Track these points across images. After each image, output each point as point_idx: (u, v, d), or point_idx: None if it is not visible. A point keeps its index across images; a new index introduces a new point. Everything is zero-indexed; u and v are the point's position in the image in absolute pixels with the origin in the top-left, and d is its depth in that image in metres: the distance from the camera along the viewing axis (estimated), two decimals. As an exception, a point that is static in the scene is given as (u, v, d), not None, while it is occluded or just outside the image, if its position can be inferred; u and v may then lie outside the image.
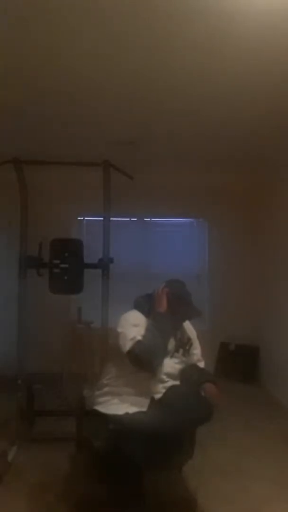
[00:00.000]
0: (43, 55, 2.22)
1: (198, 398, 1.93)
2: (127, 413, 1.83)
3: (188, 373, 2.10)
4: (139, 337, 1.86)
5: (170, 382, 2.02)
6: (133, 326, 1.93)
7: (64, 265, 2.79)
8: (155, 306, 2.04)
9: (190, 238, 4.70)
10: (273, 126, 3.13)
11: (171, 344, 2.04)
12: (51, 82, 2.51)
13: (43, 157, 2.96)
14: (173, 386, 2.00)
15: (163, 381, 1.99)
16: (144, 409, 1.87)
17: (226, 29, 1.95)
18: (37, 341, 3.51)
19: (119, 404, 1.90)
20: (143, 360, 1.82)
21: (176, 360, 2.06)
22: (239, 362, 4.32)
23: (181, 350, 2.09)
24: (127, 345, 1.84)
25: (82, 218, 4.58)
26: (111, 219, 2.91)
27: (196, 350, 2.20)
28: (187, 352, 2.12)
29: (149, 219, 4.70)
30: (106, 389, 1.99)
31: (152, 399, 1.93)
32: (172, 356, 2.04)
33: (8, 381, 2.81)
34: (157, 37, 2.04)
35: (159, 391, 1.96)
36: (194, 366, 2.16)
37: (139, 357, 1.82)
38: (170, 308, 2.03)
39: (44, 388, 3.35)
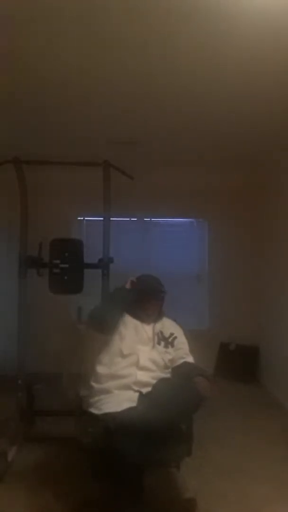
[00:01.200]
0: (43, 55, 2.22)
1: (184, 388, 1.95)
2: (118, 412, 1.86)
3: (180, 369, 2.16)
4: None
5: (158, 372, 2.10)
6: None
7: (64, 265, 2.79)
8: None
9: (190, 238, 4.70)
10: (273, 126, 3.13)
11: (146, 332, 2.19)
12: (51, 82, 2.51)
13: (43, 157, 2.96)
14: (162, 379, 2.08)
15: (148, 369, 2.07)
16: (134, 404, 1.92)
17: (226, 29, 1.96)
18: (37, 341, 3.51)
19: (110, 402, 1.94)
20: (98, 320, 2.10)
21: (161, 350, 2.16)
22: (239, 362, 4.32)
23: (162, 342, 2.20)
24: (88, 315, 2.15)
25: (82, 218, 4.58)
26: (111, 219, 2.91)
27: (183, 345, 2.28)
28: (170, 345, 2.21)
29: (149, 219, 4.70)
30: (94, 388, 2.04)
31: (141, 393, 1.97)
32: (153, 347, 2.16)
33: (8, 381, 2.81)
34: (157, 36, 2.04)
35: (148, 381, 2.03)
36: (186, 363, 2.20)
37: (95, 318, 2.11)
38: (138, 299, 2.23)
39: (44, 388, 3.34)
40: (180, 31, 1.99)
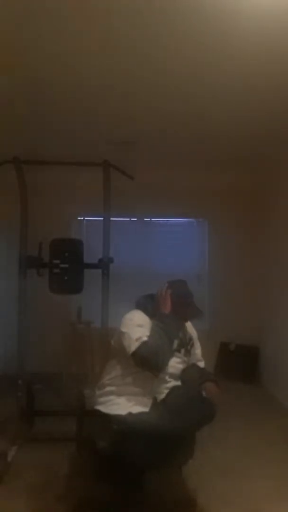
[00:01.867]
0: (43, 55, 2.22)
1: (201, 399, 1.93)
2: (130, 413, 1.83)
3: (189, 373, 2.10)
4: (145, 338, 1.84)
5: (172, 382, 2.02)
6: (137, 326, 1.92)
7: (64, 265, 2.79)
8: (159, 307, 2.03)
9: (190, 238, 4.70)
10: (273, 126, 3.13)
11: (175, 344, 2.03)
12: (51, 82, 2.51)
13: (43, 157, 2.96)
14: (175, 387, 2.01)
15: (165, 381, 1.99)
16: (146, 409, 1.87)
17: (225, 29, 1.96)
18: (37, 341, 3.51)
19: (121, 404, 1.89)
20: (149, 361, 1.80)
21: (178, 360, 2.05)
22: (239, 362, 4.32)
23: (183, 350, 2.09)
24: (132, 346, 1.82)
25: (82, 218, 4.58)
26: (111, 219, 2.91)
27: (197, 350, 2.21)
28: (188, 353, 2.12)
29: (149, 219, 4.70)
30: (107, 389, 1.98)
31: (155, 399, 1.92)
32: (174, 356, 2.03)
33: (8, 381, 2.81)
34: (158, 36, 2.04)
35: (162, 391, 1.96)
36: (194, 366, 2.17)
37: (145, 358, 1.80)
38: (173, 308, 2.02)
39: (44, 388, 3.34)
40: (180, 32, 1.99)
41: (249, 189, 4.47)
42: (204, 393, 1.98)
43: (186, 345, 2.11)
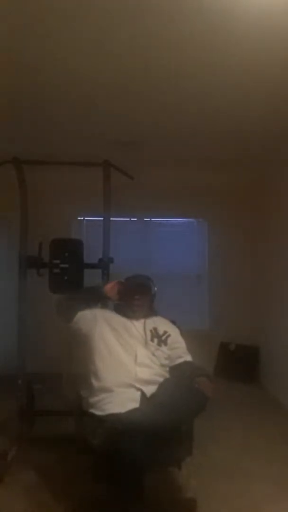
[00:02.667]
0: (43, 55, 2.22)
1: (189, 389, 1.94)
2: (120, 412, 1.85)
3: (181, 368, 2.16)
4: None
5: (157, 369, 2.09)
6: None
7: (64, 265, 2.79)
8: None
9: (190, 238, 4.70)
10: (273, 126, 3.13)
11: (140, 332, 2.19)
12: (51, 82, 2.51)
13: (43, 157, 2.96)
14: (165, 380, 2.07)
15: (147, 366, 2.07)
16: (137, 405, 1.91)
17: (226, 28, 1.96)
18: (37, 341, 3.51)
19: (111, 402, 1.93)
20: (59, 306, 2.26)
21: (152, 348, 2.16)
22: (239, 362, 4.32)
23: (156, 340, 2.20)
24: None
25: (82, 218, 4.58)
26: (111, 219, 2.91)
27: (178, 344, 2.27)
28: (163, 343, 2.21)
29: (149, 219, 4.70)
30: (95, 386, 2.03)
31: (143, 394, 1.96)
32: (146, 344, 2.16)
33: (8, 381, 2.81)
34: (157, 36, 2.04)
35: (147, 378, 2.02)
36: (186, 363, 2.20)
37: (57, 304, 2.26)
38: (124, 294, 2.32)
39: (44, 388, 3.34)
40: (180, 31, 1.99)
41: (249, 189, 4.47)
42: (196, 386, 1.99)
43: (160, 337, 2.22)
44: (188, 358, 2.24)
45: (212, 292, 4.57)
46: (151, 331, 2.22)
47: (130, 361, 2.06)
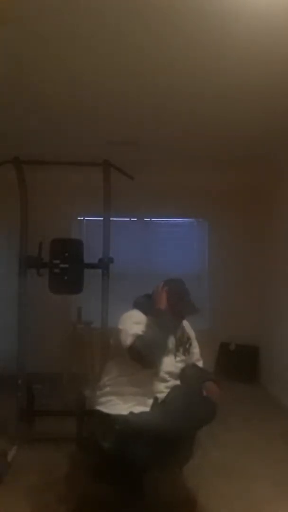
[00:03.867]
0: (43, 56, 2.22)
1: (201, 398, 1.93)
2: (131, 413, 1.82)
3: (188, 372, 2.10)
4: (140, 333, 1.87)
5: (172, 382, 2.02)
6: (134, 323, 1.94)
7: (64, 265, 2.78)
8: (154, 304, 2.06)
9: (190, 238, 4.71)
10: (273, 126, 3.13)
11: (172, 343, 2.04)
12: (51, 82, 2.51)
13: (43, 157, 2.96)
14: (176, 387, 2.01)
15: (165, 380, 1.99)
16: (147, 409, 1.88)
17: (226, 29, 1.96)
18: (37, 341, 3.51)
19: (122, 404, 1.89)
20: (143, 355, 1.82)
21: (177, 359, 2.06)
22: (239, 362, 4.32)
23: (181, 349, 2.10)
24: (128, 340, 1.85)
25: (82, 218, 4.59)
26: (111, 219, 2.91)
27: (196, 349, 2.22)
28: (187, 351, 2.13)
29: (149, 219, 4.70)
30: (107, 389, 1.99)
31: (156, 399, 1.92)
32: (173, 355, 2.04)
33: (8, 381, 2.81)
34: (157, 36, 2.04)
35: (162, 390, 1.96)
36: (194, 366, 2.17)
37: (139, 351, 1.81)
38: (169, 305, 2.04)
39: (44, 388, 3.34)
40: (180, 31, 1.99)
41: (249, 189, 4.47)
42: (204, 392, 1.99)
43: (184, 344, 2.12)
44: (200, 363, 2.22)
45: (212, 292, 4.57)
46: (178, 339, 2.11)
47: (151, 375, 1.95)
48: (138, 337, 1.84)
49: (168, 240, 4.63)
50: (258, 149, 3.71)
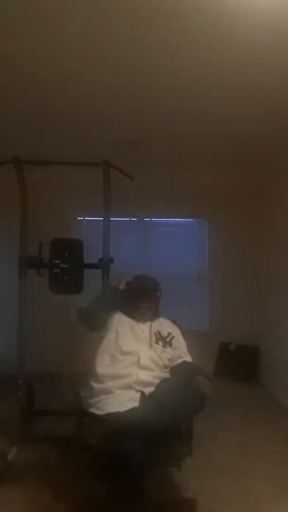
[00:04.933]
0: (43, 55, 2.22)
1: (188, 388, 1.95)
2: (119, 412, 1.85)
3: (180, 369, 2.17)
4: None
5: (158, 372, 2.09)
6: None
7: (64, 265, 2.78)
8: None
9: (190, 238, 4.71)
10: (273, 126, 3.13)
11: (143, 333, 2.19)
12: (51, 82, 2.51)
13: (43, 157, 2.96)
14: (163, 380, 2.08)
15: (148, 369, 2.07)
16: (136, 404, 1.91)
17: (227, 29, 1.96)
18: (37, 341, 3.51)
19: (111, 402, 1.93)
20: (84, 316, 2.16)
21: (157, 351, 2.15)
22: (239, 362, 4.32)
23: (160, 342, 2.20)
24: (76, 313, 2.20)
25: (82, 218, 4.58)
26: (111, 219, 2.91)
27: (180, 345, 2.28)
28: (167, 344, 2.22)
29: (149, 219, 4.70)
30: (95, 388, 2.03)
31: (143, 394, 1.96)
32: (147, 344, 2.16)
33: (8, 381, 2.80)
34: (157, 36, 2.04)
35: (148, 380, 2.02)
36: (185, 363, 2.21)
37: (81, 314, 2.17)
38: (131, 296, 2.26)
39: (44, 388, 3.34)
40: (180, 32, 1.99)
41: (249, 189, 4.47)
42: (194, 385, 2.00)
43: (164, 339, 2.23)
44: (188, 358, 2.25)
45: (212, 292, 4.57)
46: (155, 333, 2.23)
47: (132, 364, 2.06)
48: (80, 308, 2.19)
49: (168, 240, 4.63)
50: (258, 149, 3.71)
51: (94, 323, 2.16)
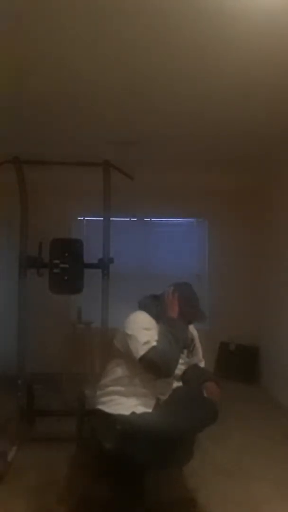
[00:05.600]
0: (43, 56, 2.22)
1: (203, 400, 1.93)
2: (133, 413, 1.81)
3: (190, 373, 2.11)
4: (154, 343, 1.83)
5: (175, 383, 2.02)
6: (144, 329, 1.89)
7: (64, 265, 2.78)
8: (166, 310, 2.01)
9: (190, 238, 4.71)
10: (273, 126, 3.13)
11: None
12: (51, 82, 2.51)
13: (43, 157, 2.96)
14: (177, 388, 2.01)
15: (169, 382, 1.99)
16: (149, 409, 1.87)
17: (226, 30, 1.96)
18: (37, 341, 3.51)
19: (124, 404, 1.88)
20: (158, 367, 1.79)
21: (181, 361, 2.04)
22: (239, 362, 4.32)
23: (185, 351, 2.08)
24: (140, 350, 1.80)
25: (82, 218, 4.58)
26: (111, 219, 2.91)
27: (198, 350, 2.22)
28: (191, 354, 2.13)
29: (149, 219, 4.70)
30: (109, 388, 1.98)
31: (158, 400, 1.92)
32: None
33: (8, 381, 2.81)
34: (157, 37, 2.04)
35: (165, 392, 1.96)
36: (195, 367, 2.17)
37: (154, 363, 1.78)
38: (180, 312, 2.01)
39: (44, 388, 3.34)
40: (180, 32, 1.99)
41: (249, 189, 4.47)
42: (204, 393, 1.98)
43: (189, 347, 2.11)
44: (202, 364, 2.21)
45: (212, 292, 4.56)
46: None
47: (153, 378, 1.91)
48: (152, 348, 1.80)
49: (168, 240, 4.63)
50: (258, 149, 3.71)
51: (170, 371, 1.86)
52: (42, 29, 1.99)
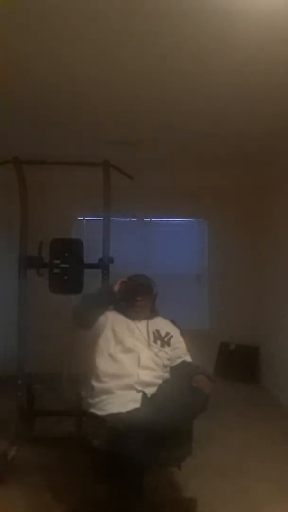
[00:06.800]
0: (43, 55, 2.22)
1: (190, 389, 1.95)
2: (121, 412, 1.85)
3: (179, 369, 2.17)
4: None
5: (159, 372, 2.09)
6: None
7: (64, 265, 2.79)
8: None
9: (190, 238, 4.70)
10: (273, 126, 3.13)
11: (143, 334, 2.20)
12: (51, 82, 2.51)
13: (43, 157, 2.96)
14: (165, 381, 2.08)
15: (149, 368, 2.06)
16: (137, 405, 1.91)
17: (226, 29, 1.96)
18: (37, 341, 3.50)
19: (113, 403, 1.93)
20: (76, 314, 2.17)
21: (155, 350, 2.15)
22: (239, 362, 4.32)
23: (159, 342, 2.20)
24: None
25: (82, 218, 4.58)
26: (111, 219, 2.91)
27: (179, 344, 2.29)
28: (166, 344, 2.21)
29: (149, 219, 4.70)
30: (96, 389, 2.02)
31: (145, 395, 1.96)
32: (146, 344, 2.16)
33: (8, 381, 2.81)
34: (158, 36, 2.04)
35: (149, 380, 2.02)
36: (185, 363, 2.22)
37: (73, 313, 2.17)
38: (126, 295, 2.29)
39: (44, 388, 3.34)
40: (180, 31, 1.99)
41: (249, 189, 4.47)
42: (194, 384, 2.00)
43: (162, 338, 2.23)
44: (188, 358, 2.25)
45: (212, 292, 4.57)
46: (153, 333, 2.23)
47: (133, 364, 2.06)
48: (74, 306, 2.20)
49: (168, 240, 4.63)
50: (258, 149, 3.70)
51: (84, 321, 2.19)
52: (42, 30, 1.99)
